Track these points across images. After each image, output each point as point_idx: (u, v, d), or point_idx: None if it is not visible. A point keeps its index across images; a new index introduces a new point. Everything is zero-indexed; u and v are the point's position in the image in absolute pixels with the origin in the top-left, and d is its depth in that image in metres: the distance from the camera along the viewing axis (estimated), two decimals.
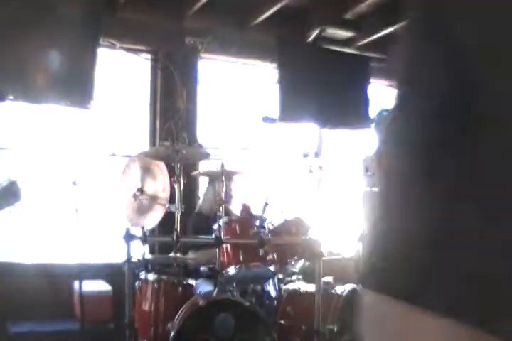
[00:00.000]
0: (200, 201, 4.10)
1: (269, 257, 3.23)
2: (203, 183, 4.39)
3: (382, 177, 0.68)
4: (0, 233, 3.89)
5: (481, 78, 0.52)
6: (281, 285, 3.51)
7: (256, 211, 3.47)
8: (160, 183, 3.37)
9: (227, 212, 3.77)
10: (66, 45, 3.93)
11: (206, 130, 4.83)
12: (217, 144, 4.81)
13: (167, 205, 3.28)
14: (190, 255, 3.49)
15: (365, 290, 0.59)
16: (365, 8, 4.69)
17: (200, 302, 2.89)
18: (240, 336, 2.92)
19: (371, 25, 4.98)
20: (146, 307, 3.12)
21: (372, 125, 4.38)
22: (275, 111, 4.75)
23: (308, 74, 4.83)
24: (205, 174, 4.00)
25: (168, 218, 3.29)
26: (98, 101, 4.19)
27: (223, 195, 3.25)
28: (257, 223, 3.17)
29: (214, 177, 3.78)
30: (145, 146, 4.60)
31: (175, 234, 3.09)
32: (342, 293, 3.27)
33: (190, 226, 3.80)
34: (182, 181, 3.20)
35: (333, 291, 3.28)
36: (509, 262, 0.51)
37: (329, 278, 3.42)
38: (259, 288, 3.47)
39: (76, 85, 3.95)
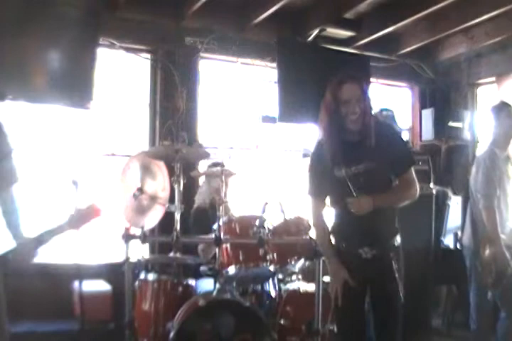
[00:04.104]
0: (196, 195, 4.11)
1: (269, 257, 3.22)
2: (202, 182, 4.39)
3: None
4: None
5: None
6: (281, 285, 3.50)
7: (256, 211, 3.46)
8: (160, 183, 3.37)
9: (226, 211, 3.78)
10: (66, 45, 3.92)
11: (206, 130, 4.83)
12: (217, 144, 4.80)
13: (167, 205, 3.28)
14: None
15: None
16: (365, 8, 4.68)
17: (200, 302, 2.89)
18: (240, 336, 2.91)
19: (371, 24, 4.97)
20: (146, 307, 3.12)
21: None
22: (275, 111, 4.74)
23: (308, 74, 4.83)
24: (204, 174, 4.00)
25: (167, 218, 3.28)
26: (98, 101, 4.18)
27: (222, 194, 3.25)
28: (257, 223, 3.17)
29: (210, 175, 3.80)
30: (145, 146, 4.60)
31: (175, 233, 3.09)
32: None
33: (191, 220, 3.81)
34: (182, 181, 3.20)
35: None
36: None
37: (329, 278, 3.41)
38: (259, 288, 3.47)
39: (75, 85, 3.94)
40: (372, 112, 2.67)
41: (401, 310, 2.66)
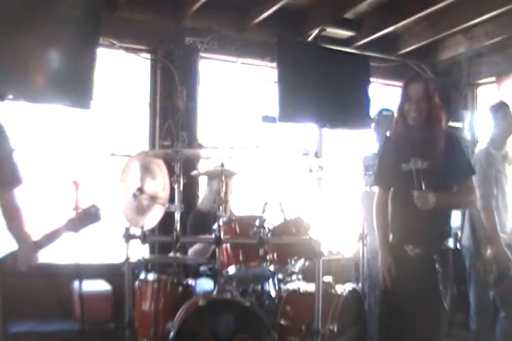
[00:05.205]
0: (200, 199, 4.10)
1: (269, 257, 3.22)
2: (202, 183, 4.39)
3: None
4: None
5: None
6: (281, 285, 3.50)
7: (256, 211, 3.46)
8: (160, 183, 3.37)
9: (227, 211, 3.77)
10: (66, 45, 3.92)
11: (206, 130, 4.83)
12: (217, 144, 4.80)
13: (167, 205, 3.28)
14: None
15: None
16: (365, 8, 4.69)
17: (200, 302, 2.89)
18: (240, 336, 2.92)
19: (371, 24, 4.98)
20: (146, 307, 3.12)
21: (372, 125, 4.38)
22: (275, 111, 4.74)
23: (308, 74, 4.83)
24: (204, 174, 4.00)
25: (167, 218, 3.29)
26: (98, 101, 4.18)
27: (223, 194, 3.24)
28: (257, 223, 3.17)
29: (213, 176, 3.79)
30: (145, 146, 4.60)
31: (174, 233, 3.09)
32: (342, 293, 3.27)
33: (190, 223, 3.80)
34: (182, 181, 3.20)
35: (333, 291, 3.27)
36: None
37: (329, 278, 3.42)
38: (259, 288, 3.47)
39: (75, 85, 3.94)
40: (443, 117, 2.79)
41: (441, 316, 2.71)
